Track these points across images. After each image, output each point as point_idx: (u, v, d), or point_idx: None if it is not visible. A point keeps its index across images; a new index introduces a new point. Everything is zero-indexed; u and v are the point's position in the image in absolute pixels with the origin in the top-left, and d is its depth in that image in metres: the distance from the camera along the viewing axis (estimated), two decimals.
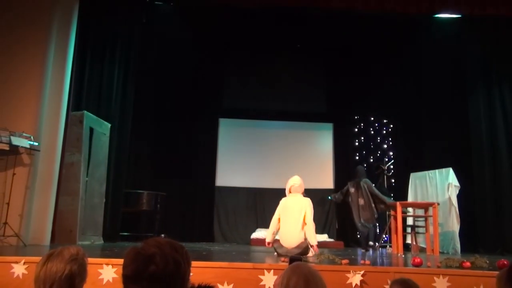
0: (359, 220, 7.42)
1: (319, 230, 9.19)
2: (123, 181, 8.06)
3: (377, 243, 7.33)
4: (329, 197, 7.97)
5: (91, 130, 6.88)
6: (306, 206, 5.36)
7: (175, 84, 9.86)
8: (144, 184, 8.94)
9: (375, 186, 7.55)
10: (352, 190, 7.54)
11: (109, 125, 7.41)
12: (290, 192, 5.58)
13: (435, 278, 3.56)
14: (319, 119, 10.51)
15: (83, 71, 7.28)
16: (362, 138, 10.34)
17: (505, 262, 3.97)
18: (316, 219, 8.88)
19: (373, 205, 7.34)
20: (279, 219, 5.44)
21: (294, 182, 5.56)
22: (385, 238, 7.85)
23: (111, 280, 3.46)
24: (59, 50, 6.31)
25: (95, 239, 6.76)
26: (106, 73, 7.70)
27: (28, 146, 5.69)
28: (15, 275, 3.52)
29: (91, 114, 6.88)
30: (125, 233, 8.09)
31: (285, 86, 10.18)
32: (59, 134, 6.23)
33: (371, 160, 9.89)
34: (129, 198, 8.18)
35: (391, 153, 10.07)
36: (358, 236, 9.05)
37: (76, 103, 7.01)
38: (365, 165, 9.95)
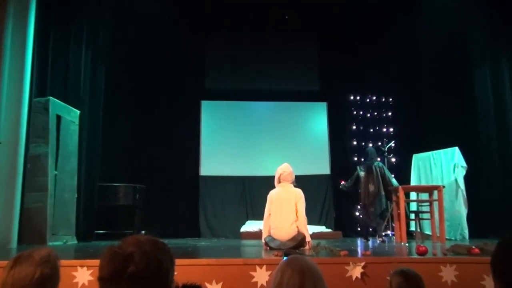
0: (366, 208, 7.46)
1: (315, 220, 9.29)
2: (96, 174, 8.01)
3: (378, 234, 7.42)
4: (340, 186, 7.98)
5: (58, 118, 6.80)
6: (298, 197, 5.39)
7: (151, 64, 9.76)
8: (120, 176, 8.89)
9: None
10: (362, 174, 7.54)
11: (78, 112, 7.33)
12: (279, 182, 5.60)
13: (441, 267, 3.62)
14: (311, 98, 10.51)
15: (46, 53, 7.15)
16: (360, 117, 10.38)
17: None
18: (312, 208, 9.02)
19: (383, 192, 7.37)
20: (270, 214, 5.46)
21: (284, 170, 5.57)
22: (387, 226, 7.96)
23: (86, 284, 3.46)
24: (17, 30, 6.18)
25: (68, 239, 6.74)
26: (72, 55, 7.58)
27: None
28: None
29: (57, 100, 6.79)
30: (101, 232, 8.07)
31: (274, 63, 10.14)
32: (22, 123, 6.14)
33: (370, 142, 9.95)
34: (104, 192, 8.14)
35: (391, 133, 10.14)
36: (359, 228, 9.15)
37: (40, 88, 6.90)
38: (363, 144, 10.02)
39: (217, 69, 10.27)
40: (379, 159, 8.13)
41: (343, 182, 7.91)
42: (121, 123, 9.27)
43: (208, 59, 10.34)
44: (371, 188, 7.39)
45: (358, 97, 10.43)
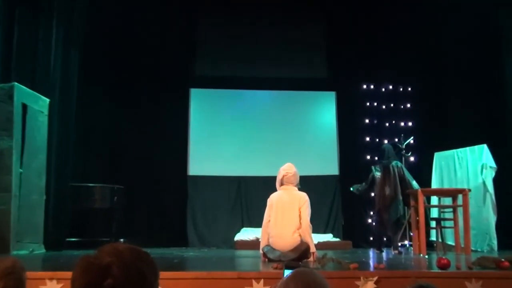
0: (381, 214, 7.45)
1: (321, 228, 9.31)
2: (68, 172, 8.00)
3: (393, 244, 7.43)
4: (351, 189, 7.93)
5: (25, 107, 6.77)
6: (302, 201, 5.39)
7: (134, 46, 9.71)
8: (96, 175, 8.87)
9: None
10: (378, 175, 7.53)
11: (48, 100, 7.31)
12: (282, 184, 5.60)
13: (466, 282, 3.64)
14: (318, 86, 10.50)
15: (10, 32, 7.11)
16: (373, 109, 10.37)
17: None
18: (317, 213, 9.00)
19: (400, 197, 7.35)
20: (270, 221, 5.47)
21: (287, 171, 5.57)
22: (404, 235, 7.97)
23: None
24: None
25: (35, 247, 6.74)
26: (42, 34, 7.55)
27: None
28: None
29: (23, 87, 6.76)
30: (73, 239, 8.06)
31: (275, 46, 10.11)
32: None
33: (386, 138, 9.95)
34: (77, 194, 8.13)
35: (410, 128, 10.14)
36: (371, 238, 9.18)
37: (3, 73, 6.88)
38: (377, 140, 10.02)
39: (209, 52, 10.23)
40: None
41: (356, 185, 7.85)
42: (97, 114, 9.24)
43: (199, 40, 10.30)
44: (387, 191, 7.36)
45: (372, 86, 10.42)
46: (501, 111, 8.28)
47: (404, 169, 7.56)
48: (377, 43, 10.02)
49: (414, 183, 7.39)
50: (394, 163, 7.52)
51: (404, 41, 9.70)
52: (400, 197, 7.36)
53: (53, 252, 6.90)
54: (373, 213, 7.65)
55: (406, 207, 7.47)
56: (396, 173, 7.40)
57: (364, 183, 7.78)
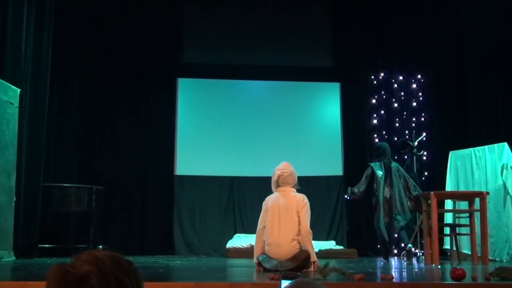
0: (383, 220, 7.46)
1: (323, 234, 9.34)
2: (41, 171, 7.98)
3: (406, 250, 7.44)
4: (346, 196, 7.88)
5: None
6: (301, 205, 5.39)
7: (113, 31, 9.70)
8: (71, 174, 8.88)
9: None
10: (380, 174, 7.52)
11: (18, 90, 7.30)
12: (278, 185, 5.60)
13: None
14: (321, 77, 10.50)
15: None
16: (383, 102, 10.36)
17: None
18: (319, 218, 9.06)
19: (406, 198, 7.35)
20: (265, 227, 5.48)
21: (283, 171, 5.56)
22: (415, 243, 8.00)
23: None
24: None
25: (4, 254, 6.73)
26: (11, 15, 7.53)
27: None
28: None
29: None
30: (46, 246, 8.06)
31: (273, 31, 10.10)
32: None
33: (395, 134, 9.96)
34: (51, 195, 8.10)
35: (422, 123, 10.15)
36: (379, 246, 9.21)
37: None
38: (386, 137, 10.01)
39: (199, 38, 10.21)
40: (406, 157, 8.14)
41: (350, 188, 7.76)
42: (72, 106, 9.23)
43: (187, 24, 10.27)
44: (388, 194, 7.38)
45: (381, 76, 10.40)
46: None
47: (404, 171, 7.56)
48: (387, 28, 10.02)
49: (415, 189, 7.37)
50: (393, 164, 7.53)
51: (418, 26, 9.70)
52: (406, 199, 7.36)
53: (24, 260, 6.89)
54: (375, 217, 7.60)
55: (417, 213, 7.48)
56: (397, 174, 7.41)
57: (358, 184, 7.57)
